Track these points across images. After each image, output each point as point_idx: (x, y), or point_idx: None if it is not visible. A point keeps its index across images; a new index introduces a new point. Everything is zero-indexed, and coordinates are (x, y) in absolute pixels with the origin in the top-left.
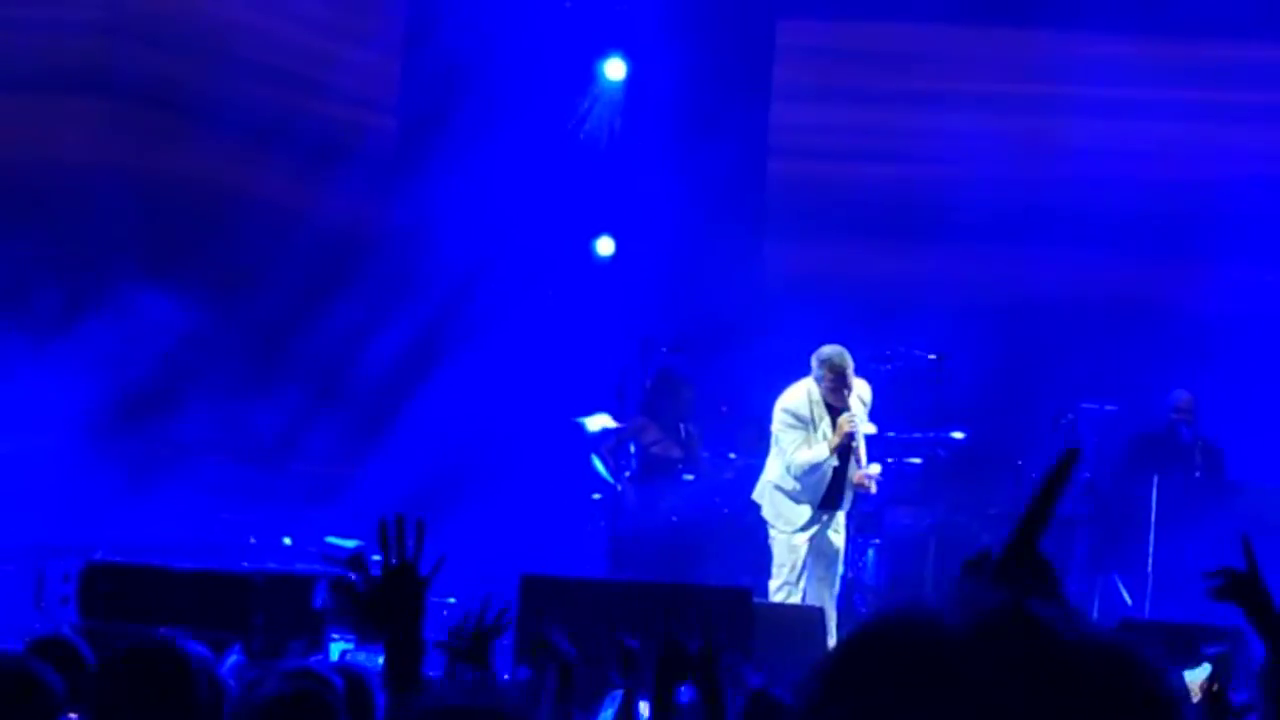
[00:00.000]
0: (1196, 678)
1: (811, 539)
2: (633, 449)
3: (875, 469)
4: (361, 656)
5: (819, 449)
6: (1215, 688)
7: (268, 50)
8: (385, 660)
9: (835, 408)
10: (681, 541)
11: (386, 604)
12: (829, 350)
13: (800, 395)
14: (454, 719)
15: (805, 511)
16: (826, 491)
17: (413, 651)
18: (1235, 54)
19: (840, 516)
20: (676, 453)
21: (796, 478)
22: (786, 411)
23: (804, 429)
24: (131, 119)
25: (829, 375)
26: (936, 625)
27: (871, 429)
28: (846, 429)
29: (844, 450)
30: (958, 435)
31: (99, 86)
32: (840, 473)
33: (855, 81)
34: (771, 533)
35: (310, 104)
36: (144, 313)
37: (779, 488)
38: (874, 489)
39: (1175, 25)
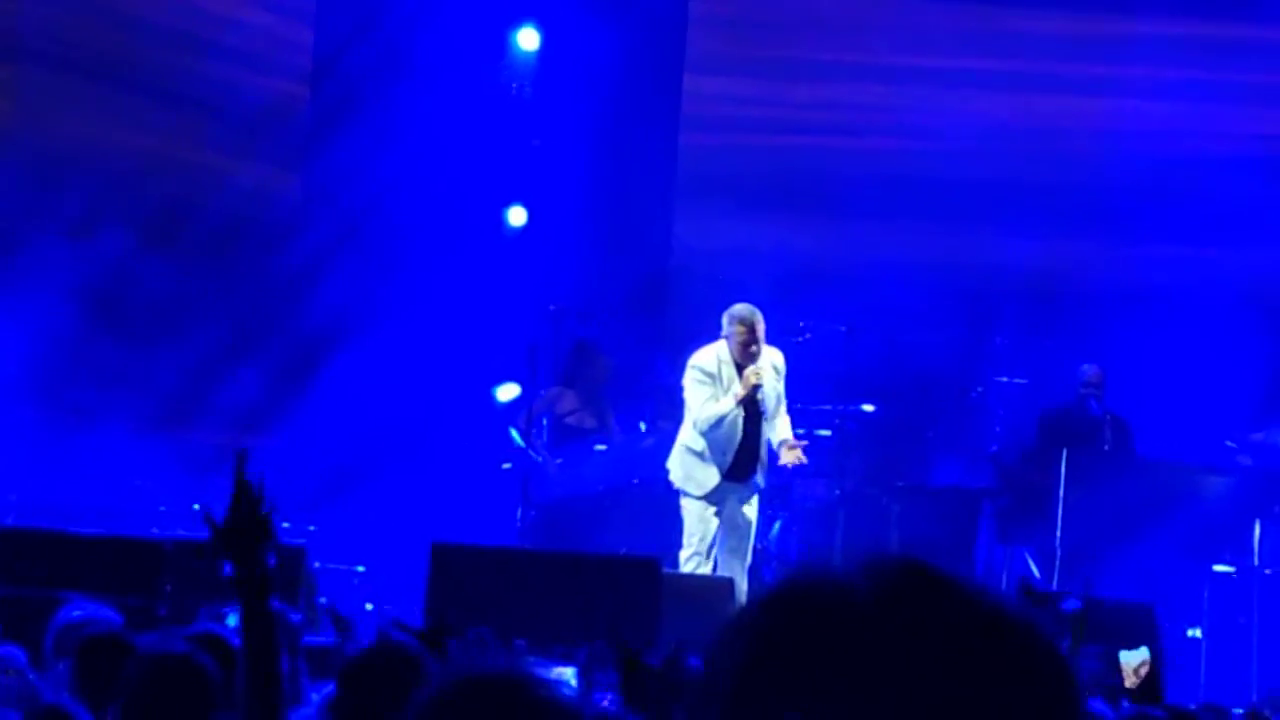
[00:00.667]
0: (1132, 661)
1: (722, 511)
2: (545, 421)
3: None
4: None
5: (724, 401)
6: (1150, 670)
7: (176, 14)
8: (237, 596)
9: (744, 366)
10: (595, 511)
11: (236, 542)
12: (740, 307)
13: (710, 354)
14: (478, 690)
15: (713, 474)
16: (736, 457)
17: (256, 585)
18: (1138, 30)
19: (755, 495)
20: (591, 423)
21: (703, 433)
22: (695, 368)
23: (711, 385)
24: (39, 84)
25: (739, 330)
26: (842, 589)
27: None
28: (753, 381)
29: (753, 414)
30: (868, 408)
31: (5, 51)
32: (750, 439)
33: (767, 53)
34: (683, 501)
35: (219, 70)
36: (53, 276)
37: (689, 449)
38: (804, 459)
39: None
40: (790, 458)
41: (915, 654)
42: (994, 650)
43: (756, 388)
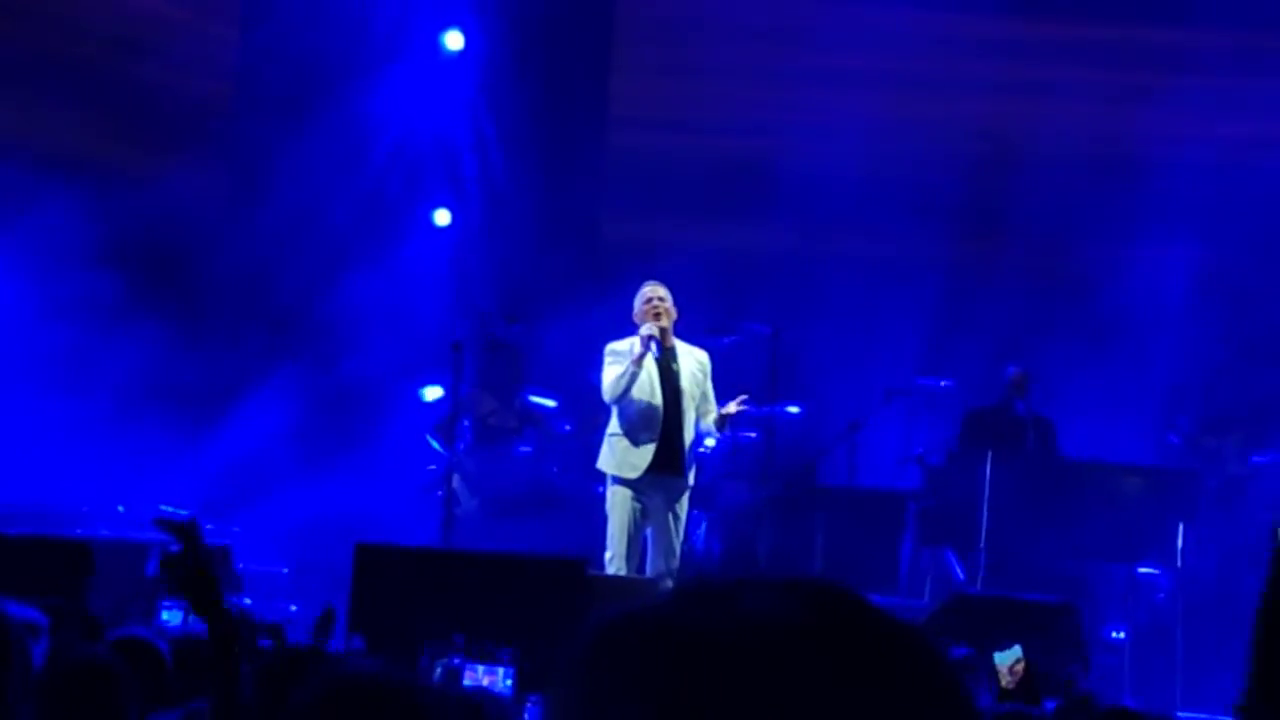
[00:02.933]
0: (1006, 661)
1: (649, 510)
2: (466, 423)
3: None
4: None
5: (622, 363)
6: (1024, 669)
7: (105, 13)
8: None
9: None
10: (520, 513)
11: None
12: (645, 283)
13: (625, 341)
14: (360, 695)
15: (645, 454)
16: (660, 444)
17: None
18: (1063, 33)
19: (684, 493)
20: (513, 423)
21: (612, 402)
22: (608, 351)
23: (621, 361)
24: None
25: (642, 295)
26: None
27: (735, 407)
28: (645, 334)
29: (673, 404)
30: (793, 409)
31: None
32: (672, 428)
33: (694, 54)
34: (608, 501)
35: (145, 72)
36: None
37: (613, 435)
38: (744, 407)
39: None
40: (732, 408)
41: (810, 670)
42: (889, 665)
43: (651, 339)
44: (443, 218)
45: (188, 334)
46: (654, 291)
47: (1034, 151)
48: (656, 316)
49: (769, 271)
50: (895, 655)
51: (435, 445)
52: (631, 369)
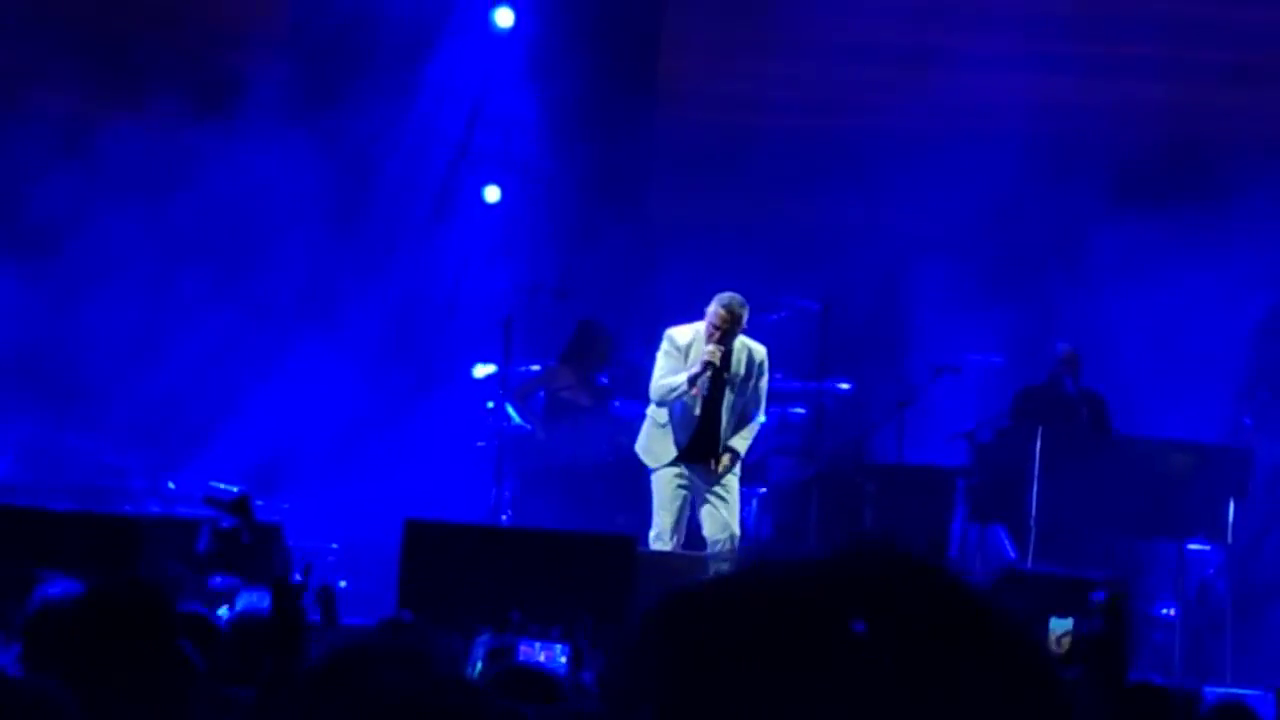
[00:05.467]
0: (1057, 630)
1: (692, 491)
2: (541, 395)
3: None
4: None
5: (679, 376)
6: (1068, 644)
7: None
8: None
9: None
10: (579, 488)
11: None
12: (729, 294)
13: (687, 329)
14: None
15: (669, 449)
16: (693, 438)
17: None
18: (1120, 10)
19: (729, 482)
20: (585, 400)
21: (657, 404)
22: (667, 338)
23: (676, 357)
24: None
25: (720, 315)
26: (800, 573)
27: (761, 418)
28: (706, 358)
29: (715, 397)
30: (843, 386)
31: None
32: (710, 422)
33: (745, 30)
34: (652, 477)
35: (195, 44)
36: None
37: (653, 420)
38: (723, 467)
39: None
40: (719, 464)
41: (894, 651)
42: (978, 646)
43: (709, 365)
44: (493, 194)
45: (228, 308)
46: (732, 315)
47: (1079, 126)
48: (720, 341)
49: (818, 247)
50: (944, 621)
51: (514, 414)
52: (685, 389)
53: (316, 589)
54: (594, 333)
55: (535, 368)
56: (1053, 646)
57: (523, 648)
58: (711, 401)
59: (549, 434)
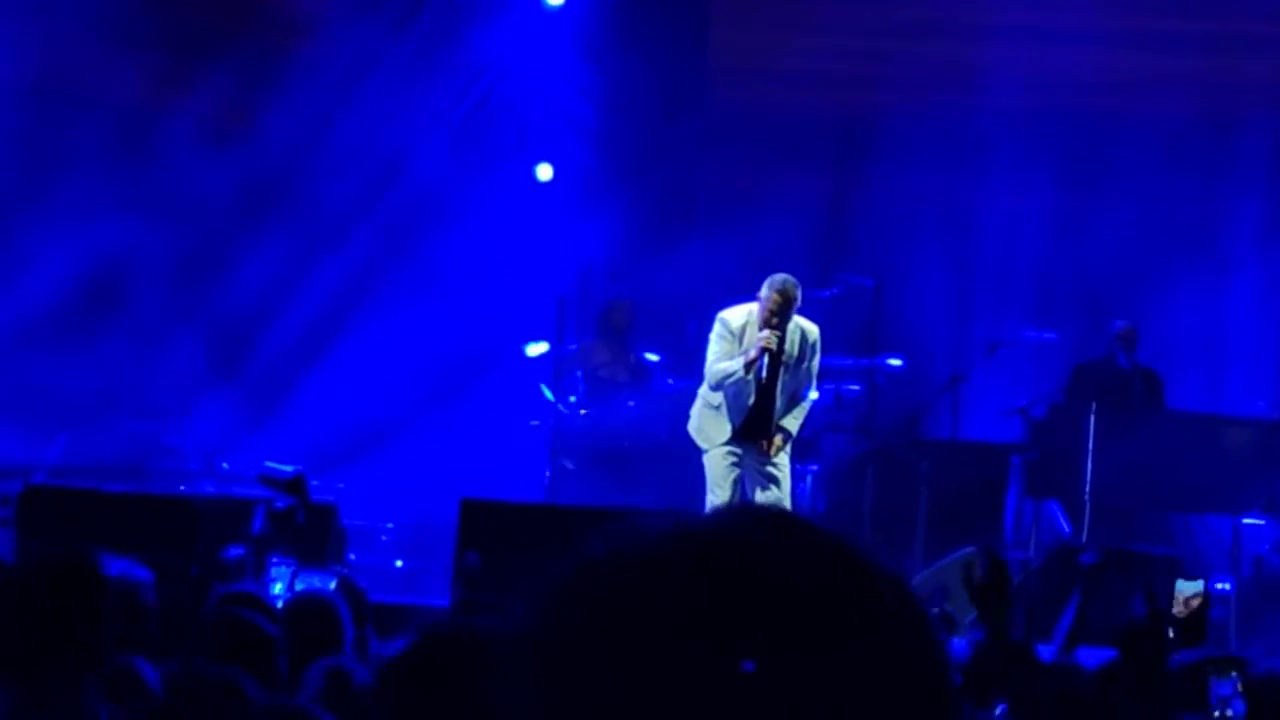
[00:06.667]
0: (1185, 591)
1: (745, 468)
2: (579, 374)
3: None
4: (315, 580)
5: (734, 362)
6: (1200, 606)
7: None
8: None
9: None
10: (627, 466)
11: None
12: (782, 276)
13: (740, 312)
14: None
15: (724, 429)
16: (748, 418)
17: None
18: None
19: (781, 460)
20: (624, 377)
21: (713, 388)
22: (721, 321)
23: (731, 341)
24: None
25: (773, 297)
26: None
27: (814, 395)
28: (762, 344)
29: (770, 377)
30: (895, 362)
31: None
32: (765, 402)
33: (796, 7)
34: (705, 458)
35: (237, 26)
36: (84, 236)
37: (706, 402)
38: (774, 451)
39: None
40: (765, 448)
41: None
42: (859, 606)
43: (766, 351)
44: (545, 172)
45: (282, 289)
46: (786, 297)
47: (1125, 104)
48: (771, 326)
49: (871, 224)
50: (815, 569)
51: (548, 394)
52: (740, 374)
53: None
54: (622, 307)
55: (573, 347)
56: (1178, 605)
57: None
58: (766, 384)
59: (587, 415)
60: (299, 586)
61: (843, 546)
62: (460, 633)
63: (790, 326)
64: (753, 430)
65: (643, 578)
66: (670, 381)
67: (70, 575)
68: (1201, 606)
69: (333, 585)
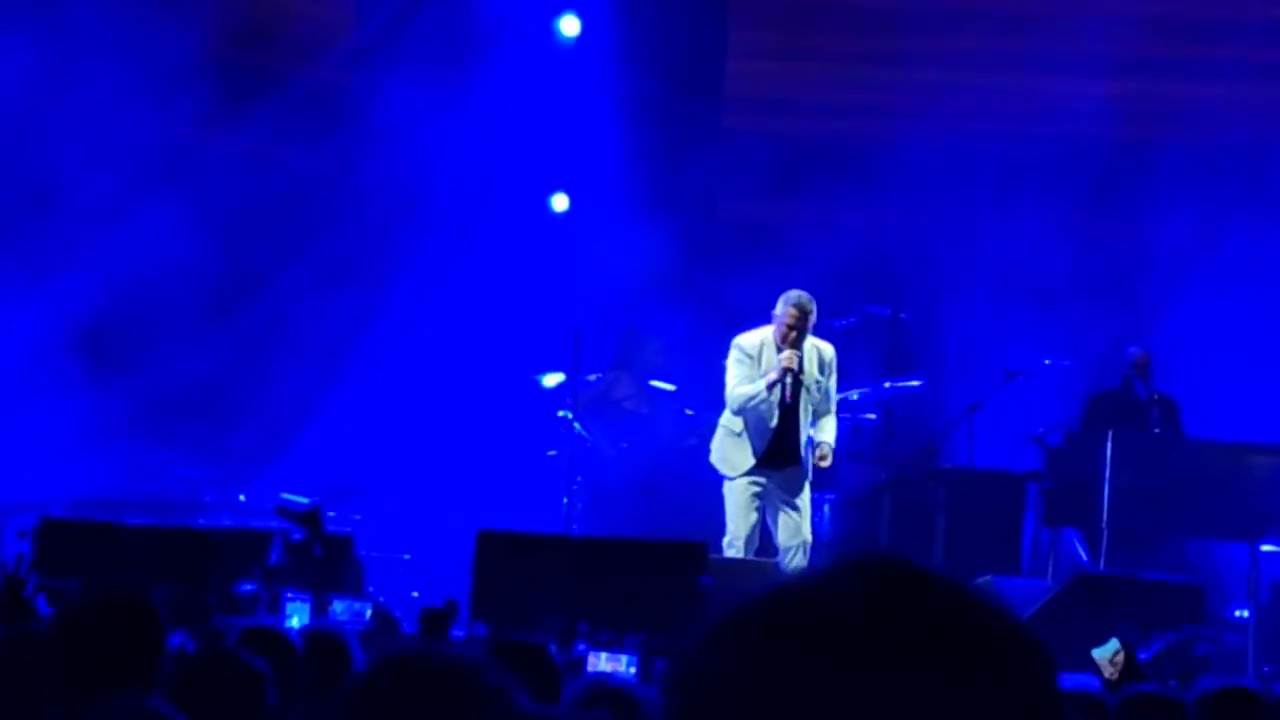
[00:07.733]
0: (1105, 654)
1: (766, 498)
2: (604, 405)
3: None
4: (339, 607)
5: (756, 384)
6: (1124, 658)
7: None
8: None
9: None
10: (646, 497)
11: None
12: (796, 291)
13: (755, 336)
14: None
15: (747, 457)
16: (771, 444)
17: None
18: (1183, 11)
19: (803, 489)
20: (646, 409)
21: (735, 413)
22: (737, 347)
23: (750, 365)
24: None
25: (790, 314)
26: (821, 596)
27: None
28: (785, 364)
29: (792, 402)
30: (914, 383)
31: None
32: (788, 427)
33: (808, 37)
34: (724, 487)
35: (258, 54)
36: (100, 268)
37: (727, 429)
38: (827, 462)
39: None
40: (816, 461)
41: (907, 664)
42: (982, 652)
43: (788, 371)
44: (560, 203)
45: (298, 321)
46: (803, 312)
47: (1147, 132)
48: (790, 343)
49: (887, 253)
50: (957, 634)
51: (578, 426)
52: (763, 394)
53: None
54: (642, 335)
55: (592, 378)
56: (1106, 669)
57: (590, 658)
58: (788, 406)
59: (615, 448)
60: (338, 611)
61: (975, 593)
62: (420, 659)
63: (807, 347)
64: (778, 456)
65: (821, 625)
66: (689, 411)
67: (128, 609)
68: (1127, 657)
69: (368, 614)
